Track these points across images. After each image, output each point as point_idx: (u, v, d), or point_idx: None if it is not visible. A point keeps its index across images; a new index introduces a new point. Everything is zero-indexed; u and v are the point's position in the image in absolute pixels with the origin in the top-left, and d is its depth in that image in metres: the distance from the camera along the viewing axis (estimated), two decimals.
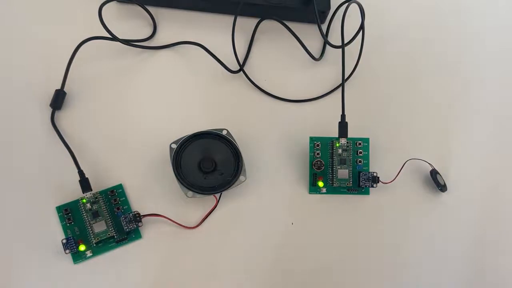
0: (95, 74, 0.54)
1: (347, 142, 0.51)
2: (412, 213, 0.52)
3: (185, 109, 0.54)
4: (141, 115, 0.53)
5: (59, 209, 0.48)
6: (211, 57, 0.55)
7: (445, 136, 0.55)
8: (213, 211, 0.50)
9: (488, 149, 0.55)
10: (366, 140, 0.52)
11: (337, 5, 0.57)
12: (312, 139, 0.52)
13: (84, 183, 0.48)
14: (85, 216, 0.48)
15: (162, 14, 0.58)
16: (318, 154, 0.52)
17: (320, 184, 0.52)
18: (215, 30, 0.57)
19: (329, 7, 0.57)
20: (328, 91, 0.56)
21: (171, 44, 0.56)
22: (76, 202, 0.48)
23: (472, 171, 0.54)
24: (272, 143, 0.54)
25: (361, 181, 0.50)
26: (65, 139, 0.50)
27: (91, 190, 0.48)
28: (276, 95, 0.56)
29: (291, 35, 0.55)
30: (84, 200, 0.48)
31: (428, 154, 0.53)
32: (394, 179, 0.51)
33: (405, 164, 0.52)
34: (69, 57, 0.51)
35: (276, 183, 0.52)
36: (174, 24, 0.58)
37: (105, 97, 0.54)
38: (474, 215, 0.52)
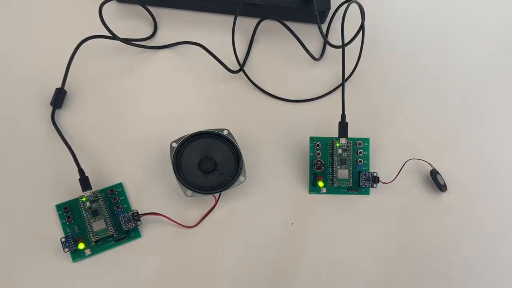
0: (96, 73, 0.54)
1: (347, 142, 0.51)
2: (412, 213, 0.52)
3: (184, 109, 0.54)
4: (141, 114, 0.53)
5: (58, 207, 0.48)
6: (211, 57, 0.55)
7: (445, 136, 0.55)
8: (212, 211, 0.50)
9: (488, 149, 0.55)
10: (366, 140, 0.52)
11: (337, 5, 0.57)
12: (312, 139, 0.52)
13: (84, 182, 0.48)
14: (84, 215, 0.48)
15: (163, 14, 0.58)
16: (318, 154, 0.52)
17: (320, 184, 0.51)
18: (215, 30, 0.58)
19: (329, 7, 0.57)
20: (328, 91, 0.56)
21: (171, 44, 0.56)
22: (75, 201, 0.48)
23: (472, 171, 0.54)
24: (272, 143, 0.54)
25: (361, 181, 0.50)
26: (65, 137, 0.50)
27: (91, 188, 0.48)
28: (276, 95, 0.56)
29: (291, 35, 0.55)
30: (84, 199, 0.48)
31: (428, 154, 0.53)
32: (394, 179, 0.51)
33: (405, 164, 0.52)
34: (70, 55, 0.52)
35: (276, 183, 0.52)
36: (175, 24, 0.58)
37: (105, 96, 0.54)
38: (474, 215, 0.52)
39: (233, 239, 0.50)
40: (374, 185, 0.50)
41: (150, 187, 0.50)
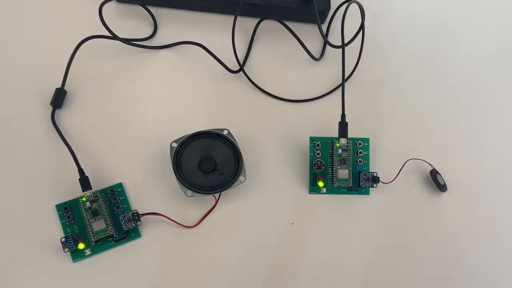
0: (96, 73, 0.54)
1: (347, 142, 0.51)
2: (412, 213, 0.52)
3: (184, 109, 0.54)
4: (141, 114, 0.53)
5: (58, 207, 0.48)
6: (211, 57, 0.55)
7: (445, 136, 0.55)
8: (212, 211, 0.50)
9: (488, 149, 0.55)
10: (366, 140, 0.52)
11: (337, 5, 0.57)
12: (312, 139, 0.52)
13: (84, 182, 0.48)
14: (84, 215, 0.48)
15: (163, 14, 0.58)
16: (318, 154, 0.52)
17: (320, 184, 0.51)
18: (215, 30, 0.58)
19: (329, 7, 0.57)
20: (328, 91, 0.56)
21: (172, 44, 0.56)
22: (75, 201, 0.48)
23: (472, 171, 0.54)
24: (272, 143, 0.54)
25: (361, 181, 0.50)
26: (65, 137, 0.50)
27: (91, 188, 0.48)
28: (276, 95, 0.56)
29: (291, 35, 0.55)
30: (84, 199, 0.48)
31: (428, 154, 0.53)
32: (394, 179, 0.51)
33: (405, 164, 0.52)
34: (70, 55, 0.52)
35: (276, 183, 0.52)
36: (175, 24, 0.58)
37: (105, 96, 0.54)
38: (474, 215, 0.52)
39: (233, 239, 0.50)
40: (374, 185, 0.50)
41: (150, 187, 0.50)
